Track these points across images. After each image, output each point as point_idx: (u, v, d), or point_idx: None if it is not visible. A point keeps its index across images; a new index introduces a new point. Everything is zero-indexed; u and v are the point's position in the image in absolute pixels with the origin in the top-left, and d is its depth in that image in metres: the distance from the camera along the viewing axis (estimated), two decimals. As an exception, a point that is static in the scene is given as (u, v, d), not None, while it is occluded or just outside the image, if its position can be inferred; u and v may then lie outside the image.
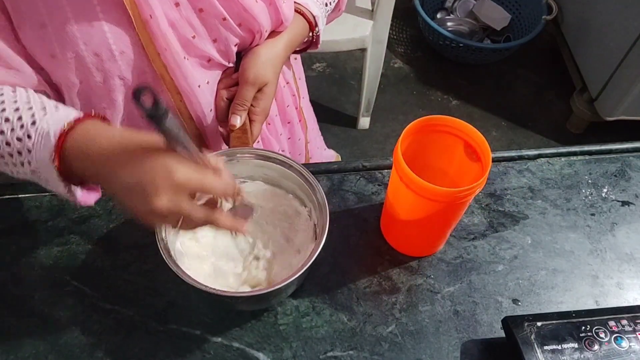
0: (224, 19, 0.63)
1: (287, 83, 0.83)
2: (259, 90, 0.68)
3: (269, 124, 0.82)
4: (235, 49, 0.68)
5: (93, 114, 0.54)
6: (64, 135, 0.51)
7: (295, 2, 0.72)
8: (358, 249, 0.68)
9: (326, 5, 0.77)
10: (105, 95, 0.62)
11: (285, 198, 0.66)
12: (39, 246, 0.67)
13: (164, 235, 0.56)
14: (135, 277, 0.65)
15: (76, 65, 0.58)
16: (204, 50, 0.64)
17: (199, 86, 0.66)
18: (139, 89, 0.41)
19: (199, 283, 0.53)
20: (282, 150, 0.88)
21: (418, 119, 0.60)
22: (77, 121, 0.52)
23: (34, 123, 0.53)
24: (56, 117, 0.53)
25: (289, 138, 0.89)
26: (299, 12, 0.73)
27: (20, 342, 0.60)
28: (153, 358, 0.59)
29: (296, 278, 0.53)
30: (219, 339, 0.60)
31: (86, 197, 0.57)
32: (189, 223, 0.51)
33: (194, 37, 0.62)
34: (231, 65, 0.70)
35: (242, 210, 0.58)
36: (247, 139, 0.69)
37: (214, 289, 0.54)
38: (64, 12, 0.55)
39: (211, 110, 0.71)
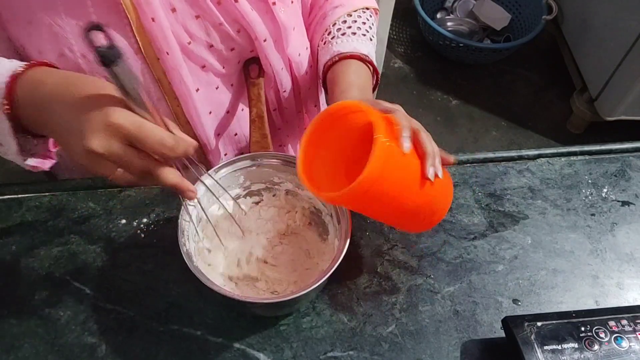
0: (220, 24, 0.63)
1: (315, 107, 0.85)
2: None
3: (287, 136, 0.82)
4: (231, 55, 0.68)
5: (45, 62, 0.52)
6: (13, 80, 0.49)
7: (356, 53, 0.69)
8: (358, 249, 0.68)
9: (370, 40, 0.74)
10: None
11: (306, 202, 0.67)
12: (39, 246, 0.67)
13: (185, 240, 0.56)
14: (136, 277, 0.65)
15: (64, 63, 0.58)
16: (199, 56, 0.64)
17: (197, 90, 0.66)
18: (92, 25, 0.39)
19: (224, 289, 0.53)
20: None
21: (316, 120, 0.54)
22: (27, 66, 0.50)
23: None
24: (8, 66, 0.51)
25: None
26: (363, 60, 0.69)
27: (20, 342, 0.60)
28: (154, 358, 0.59)
29: (317, 286, 0.54)
30: (220, 339, 0.60)
31: (39, 162, 0.55)
32: (128, 173, 0.47)
33: (189, 43, 0.62)
34: (224, 71, 0.69)
35: (193, 172, 0.54)
36: (267, 143, 0.70)
37: (240, 295, 0.55)
38: (57, 11, 0.55)
39: (210, 113, 0.71)
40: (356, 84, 0.65)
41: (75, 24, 0.56)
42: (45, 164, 0.56)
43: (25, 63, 0.51)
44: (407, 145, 0.50)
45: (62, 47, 0.57)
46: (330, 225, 0.64)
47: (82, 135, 0.44)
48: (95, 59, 0.40)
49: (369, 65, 0.70)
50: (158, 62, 0.61)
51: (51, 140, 0.57)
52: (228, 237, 0.64)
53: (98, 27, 0.39)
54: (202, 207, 0.59)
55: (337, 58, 0.68)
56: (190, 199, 0.52)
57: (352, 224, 0.58)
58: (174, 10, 0.59)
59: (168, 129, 0.47)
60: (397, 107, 0.55)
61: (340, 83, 0.65)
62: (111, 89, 0.46)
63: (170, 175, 0.48)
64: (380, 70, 1.69)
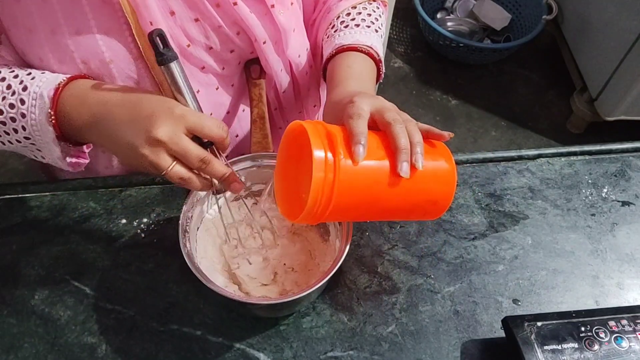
0: (219, 27, 0.63)
1: (314, 107, 0.84)
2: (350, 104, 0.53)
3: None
4: (231, 56, 0.68)
5: (85, 75, 0.57)
6: (58, 93, 0.54)
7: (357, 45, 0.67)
8: (358, 249, 0.68)
9: (376, 31, 0.72)
10: None
11: None
12: (40, 246, 0.67)
13: (186, 241, 0.56)
14: (136, 277, 0.65)
15: (64, 70, 0.58)
16: (198, 58, 0.64)
17: (198, 91, 0.66)
18: (154, 31, 0.49)
19: (225, 290, 0.54)
20: None
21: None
22: (70, 79, 0.55)
23: (25, 89, 0.55)
24: (45, 79, 0.55)
25: None
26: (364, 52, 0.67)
27: (20, 342, 0.60)
28: (154, 358, 0.59)
29: (319, 287, 0.54)
30: (220, 339, 0.60)
31: (75, 162, 0.60)
32: (182, 165, 0.52)
33: (188, 45, 0.62)
34: (224, 72, 0.69)
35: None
36: (268, 144, 0.69)
37: (241, 296, 0.56)
38: (56, 18, 0.55)
39: (211, 114, 0.71)
40: (353, 76, 0.63)
41: (75, 31, 0.56)
42: (81, 163, 0.62)
43: (67, 75, 0.56)
44: (358, 152, 0.47)
45: (63, 55, 0.57)
46: (332, 226, 0.64)
47: (147, 125, 0.49)
48: (157, 58, 0.50)
49: (372, 56, 0.68)
50: (158, 66, 0.61)
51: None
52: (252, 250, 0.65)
53: (159, 33, 0.50)
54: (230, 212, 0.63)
55: (334, 51, 0.67)
56: (237, 190, 0.56)
57: (352, 225, 0.58)
58: (172, 13, 0.59)
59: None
60: (363, 108, 0.50)
61: (336, 76, 0.64)
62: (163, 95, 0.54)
63: (222, 166, 0.54)
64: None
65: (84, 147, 0.62)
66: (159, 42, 0.49)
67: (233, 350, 0.60)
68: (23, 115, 0.54)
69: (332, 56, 0.68)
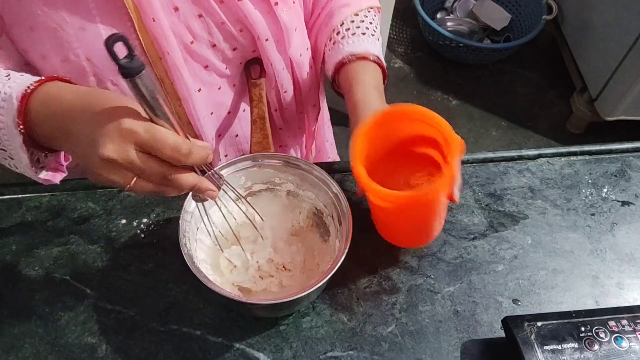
0: (223, 23, 0.63)
1: (314, 107, 0.85)
2: None
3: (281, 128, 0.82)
4: (234, 55, 0.68)
5: (57, 77, 0.52)
6: (27, 97, 0.49)
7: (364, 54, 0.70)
8: (358, 249, 0.68)
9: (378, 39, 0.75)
10: None
11: (305, 204, 0.67)
12: (39, 246, 0.67)
13: (186, 242, 0.56)
14: (136, 277, 0.65)
15: (68, 67, 0.58)
16: (202, 56, 0.64)
17: (199, 90, 0.66)
18: (113, 37, 0.38)
19: (225, 290, 0.53)
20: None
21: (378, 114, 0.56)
22: (40, 82, 0.50)
23: None
24: (19, 81, 0.50)
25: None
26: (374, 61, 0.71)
27: (20, 342, 0.60)
28: (154, 358, 0.59)
29: (318, 287, 0.54)
30: (220, 339, 0.60)
31: (51, 176, 0.55)
32: (145, 180, 0.46)
33: (192, 42, 0.62)
34: (227, 72, 0.69)
35: (212, 179, 0.52)
36: (269, 144, 0.69)
37: (240, 296, 0.55)
38: (60, 15, 0.55)
39: (212, 113, 0.71)
40: (374, 86, 0.67)
41: (78, 28, 0.56)
42: (57, 177, 0.56)
43: (38, 78, 0.50)
44: (458, 194, 0.58)
45: (66, 52, 0.57)
46: (332, 226, 0.64)
47: (95, 145, 0.44)
48: (119, 70, 0.40)
49: (381, 66, 0.72)
50: (160, 62, 0.61)
51: (62, 154, 0.56)
52: (245, 244, 0.64)
53: (119, 39, 0.39)
54: (224, 214, 0.60)
55: (353, 58, 0.69)
56: (212, 198, 0.51)
57: (352, 225, 0.58)
58: (176, 9, 0.59)
59: (188, 139, 0.46)
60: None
61: (359, 83, 0.67)
62: (128, 102, 0.46)
63: (190, 178, 0.47)
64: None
65: (62, 159, 0.57)
66: (118, 51, 0.39)
67: (233, 350, 0.60)
68: None
69: (345, 63, 0.70)
